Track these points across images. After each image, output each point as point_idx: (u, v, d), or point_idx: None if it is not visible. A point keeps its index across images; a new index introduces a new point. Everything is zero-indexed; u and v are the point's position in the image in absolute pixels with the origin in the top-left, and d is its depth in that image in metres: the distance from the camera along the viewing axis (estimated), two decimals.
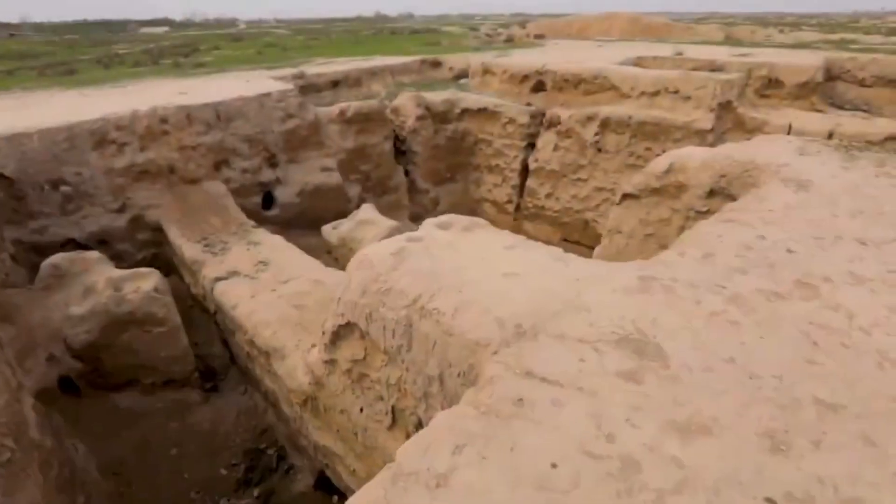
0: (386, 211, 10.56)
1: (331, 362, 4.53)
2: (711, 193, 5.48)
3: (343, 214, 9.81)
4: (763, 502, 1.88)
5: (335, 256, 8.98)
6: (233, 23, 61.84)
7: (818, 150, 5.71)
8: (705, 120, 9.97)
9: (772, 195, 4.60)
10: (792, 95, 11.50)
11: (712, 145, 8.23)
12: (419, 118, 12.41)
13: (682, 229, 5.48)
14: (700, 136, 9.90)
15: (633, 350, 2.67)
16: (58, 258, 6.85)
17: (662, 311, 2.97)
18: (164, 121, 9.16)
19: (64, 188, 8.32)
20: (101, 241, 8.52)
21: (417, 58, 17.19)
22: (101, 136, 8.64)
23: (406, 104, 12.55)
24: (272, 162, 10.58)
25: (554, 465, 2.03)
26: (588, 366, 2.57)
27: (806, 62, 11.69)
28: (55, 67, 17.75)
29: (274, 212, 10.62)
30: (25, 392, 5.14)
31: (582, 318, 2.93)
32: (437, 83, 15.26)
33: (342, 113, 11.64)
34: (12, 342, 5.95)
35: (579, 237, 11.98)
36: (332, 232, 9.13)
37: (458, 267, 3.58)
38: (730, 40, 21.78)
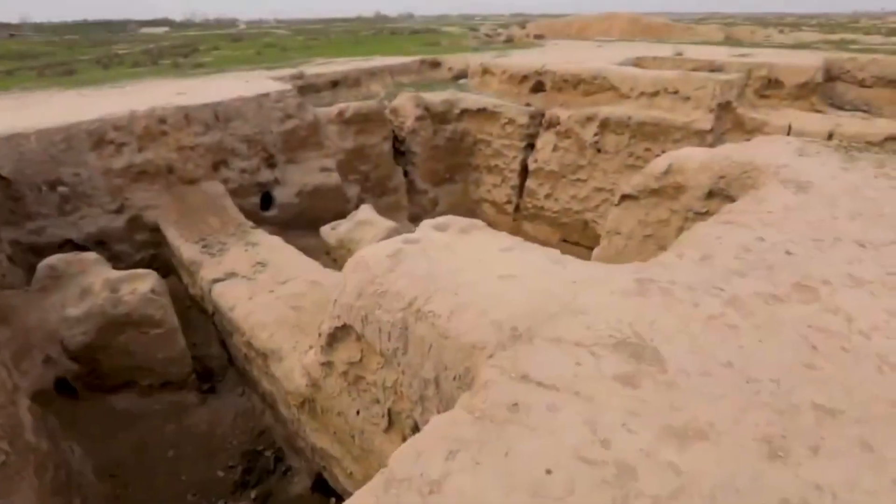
0: (385, 211, 10.53)
1: (327, 364, 4.51)
2: (710, 194, 5.45)
3: (342, 215, 9.78)
4: None
5: (334, 257, 8.96)
6: (233, 23, 61.85)
7: (818, 151, 5.68)
8: (705, 120, 9.94)
9: (771, 196, 4.57)
10: (792, 96, 11.47)
11: (712, 146, 8.19)
12: (418, 118, 12.38)
13: (680, 230, 5.46)
14: (699, 137, 9.87)
15: (629, 354, 2.64)
16: (54, 259, 6.83)
17: (660, 314, 2.95)
18: (162, 121, 9.14)
19: (61, 189, 8.30)
20: (99, 242, 8.50)
21: (417, 58, 17.16)
22: (99, 137, 8.62)
23: (405, 104, 12.53)
24: (271, 162, 10.56)
25: (548, 472, 2.00)
26: (584, 370, 2.55)
27: (806, 62, 11.66)
28: (54, 68, 17.73)
29: (272, 212, 10.59)
30: (21, 394, 5.12)
31: (579, 322, 2.90)
32: (437, 83, 15.23)
33: (341, 113, 11.62)
34: (8, 343, 5.93)
35: (578, 238, 11.95)
36: (330, 233, 9.11)
37: (454, 269, 3.55)
38: (729, 40, 21.75)
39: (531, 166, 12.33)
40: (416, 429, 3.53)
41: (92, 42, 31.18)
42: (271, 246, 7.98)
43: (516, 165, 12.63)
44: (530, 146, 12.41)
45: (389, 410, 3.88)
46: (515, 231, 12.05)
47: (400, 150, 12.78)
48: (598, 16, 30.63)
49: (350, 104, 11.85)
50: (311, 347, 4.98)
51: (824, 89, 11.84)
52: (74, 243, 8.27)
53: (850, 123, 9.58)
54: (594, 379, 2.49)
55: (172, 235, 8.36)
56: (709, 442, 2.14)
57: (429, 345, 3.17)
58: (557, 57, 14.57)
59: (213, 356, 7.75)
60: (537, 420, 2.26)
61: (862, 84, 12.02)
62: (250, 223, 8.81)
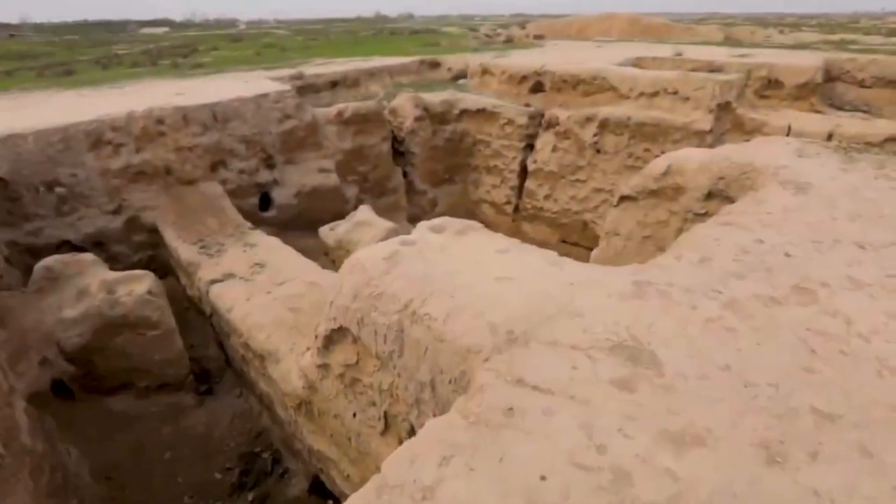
0: (384, 212, 10.50)
1: (324, 366, 4.49)
2: (709, 196, 5.42)
3: (341, 216, 9.75)
4: None
5: (332, 258, 8.93)
6: (233, 23, 61.85)
7: (817, 152, 5.65)
8: (704, 121, 9.92)
9: (770, 198, 4.54)
10: (791, 96, 11.45)
11: (711, 146, 8.17)
12: (417, 119, 12.36)
13: (679, 231, 5.43)
14: (699, 138, 9.84)
15: (626, 357, 2.61)
16: (51, 260, 6.81)
17: (657, 317, 2.92)
18: (160, 122, 9.11)
19: (59, 189, 8.28)
20: (97, 243, 8.47)
21: (416, 58, 17.14)
22: (96, 137, 8.60)
23: (404, 105, 12.51)
24: (269, 163, 10.54)
25: (543, 478, 1.98)
26: (580, 373, 2.52)
27: (805, 63, 11.64)
28: (54, 68, 17.72)
29: (271, 213, 10.57)
30: (17, 396, 5.10)
31: (575, 324, 2.88)
32: (436, 84, 15.21)
33: (340, 114, 11.59)
34: (4, 345, 5.91)
35: (578, 238, 11.93)
36: (329, 234, 9.08)
37: (450, 271, 3.53)
38: (729, 41, 21.73)
39: (530, 167, 12.30)
40: (412, 432, 3.50)
41: (91, 42, 31.18)
42: (269, 247, 7.96)
43: (515, 166, 12.61)
44: (529, 147, 12.38)
45: (386, 413, 3.86)
46: (514, 232, 12.05)
47: (399, 151, 12.76)
48: (597, 16, 30.62)
49: (349, 104, 11.83)
50: (308, 349, 4.96)
51: (824, 90, 11.82)
52: (72, 244, 8.24)
53: (850, 124, 9.56)
54: (590, 383, 2.46)
55: (170, 236, 8.33)
56: (706, 447, 2.12)
57: (424, 347, 3.15)
58: (557, 57, 14.54)
59: (210, 357, 7.73)
60: (532, 425, 2.23)
61: (862, 84, 12.00)
62: (248, 224, 8.78)
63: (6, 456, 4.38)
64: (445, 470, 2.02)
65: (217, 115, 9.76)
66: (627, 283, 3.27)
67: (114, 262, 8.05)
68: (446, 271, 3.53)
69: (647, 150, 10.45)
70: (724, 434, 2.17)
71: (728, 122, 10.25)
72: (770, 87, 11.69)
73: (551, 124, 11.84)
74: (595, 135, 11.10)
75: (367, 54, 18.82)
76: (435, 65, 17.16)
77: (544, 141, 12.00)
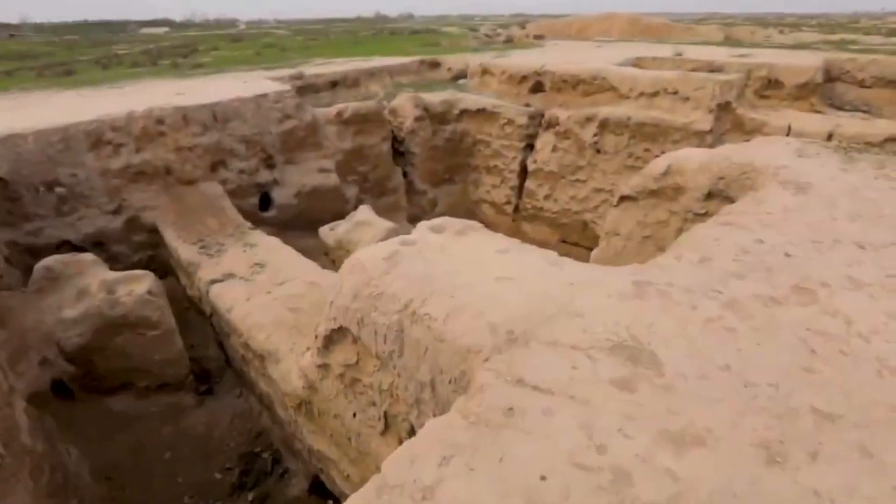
0: (384, 212, 10.50)
1: (324, 366, 4.49)
2: (709, 196, 5.42)
3: (341, 216, 9.75)
4: None
5: (332, 258, 8.93)
6: (233, 23, 61.87)
7: (817, 152, 5.65)
8: (704, 121, 9.92)
9: (770, 198, 4.54)
10: (791, 96, 11.45)
11: (711, 146, 8.17)
12: (417, 119, 12.36)
13: (679, 231, 5.43)
14: (699, 138, 9.84)
15: (626, 357, 2.61)
16: (51, 260, 6.81)
17: (657, 317, 2.92)
18: (160, 122, 9.11)
19: (59, 189, 8.28)
20: (97, 243, 8.47)
21: (416, 58, 17.14)
22: (96, 137, 8.60)
23: (404, 105, 12.51)
24: (269, 163, 10.54)
25: (543, 478, 1.98)
26: (580, 373, 2.52)
27: (805, 63, 11.64)
28: (54, 68, 17.72)
29: (271, 213, 10.57)
30: (17, 396, 5.10)
31: (575, 324, 2.88)
32: (436, 84, 15.21)
33: (340, 114, 11.59)
34: (4, 345, 5.91)
35: (578, 238, 11.93)
36: (329, 234, 9.08)
37: (450, 271, 3.53)
38: (729, 41, 21.73)
39: (530, 167, 12.30)
40: (412, 432, 3.50)
41: (92, 42, 31.18)
42: (269, 247, 7.96)
43: (515, 166, 12.61)
44: (529, 147, 12.38)
45: (386, 413, 3.86)
46: (515, 232, 12.04)
47: (399, 151, 12.76)
48: (597, 16, 30.62)
49: (349, 104, 11.83)
50: (308, 349, 4.96)
51: (824, 90, 11.82)
52: (72, 244, 8.24)
53: (850, 124, 9.56)
54: (590, 383, 2.46)
55: (170, 236, 8.33)
56: (706, 447, 2.12)
57: (424, 347, 3.15)
58: (557, 57, 14.54)
59: (210, 357, 7.73)
60: (532, 425, 2.23)
61: (862, 84, 12.00)
62: (248, 224, 8.78)
63: (6, 456, 4.38)
64: (445, 470, 2.02)
65: (217, 115, 9.76)
66: (627, 283, 3.27)
67: (114, 263, 8.05)
68: (446, 271, 3.53)
69: (647, 150, 10.45)
70: (724, 434, 2.17)
71: (728, 123, 10.25)
72: (770, 87, 11.69)
73: (551, 124, 11.84)
74: (595, 135, 11.10)
75: (367, 54, 18.82)
76: (435, 65, 17.16)
77: (544, 141, 12.00)
